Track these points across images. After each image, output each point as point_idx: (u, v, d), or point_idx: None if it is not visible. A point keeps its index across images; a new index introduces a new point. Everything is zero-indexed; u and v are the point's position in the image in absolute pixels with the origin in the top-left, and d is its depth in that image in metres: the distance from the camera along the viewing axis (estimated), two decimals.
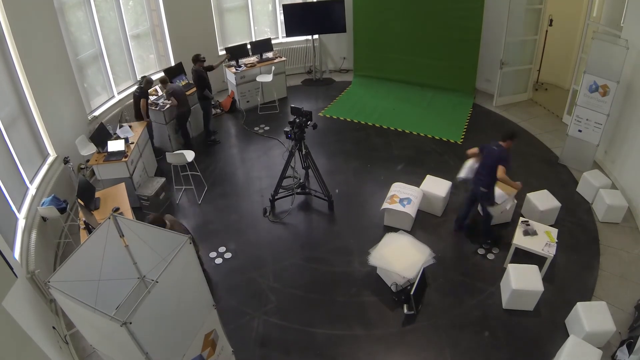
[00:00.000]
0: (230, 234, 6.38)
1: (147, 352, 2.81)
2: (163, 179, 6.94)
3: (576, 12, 8.74)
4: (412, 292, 4.99)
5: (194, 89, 8.21)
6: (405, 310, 5.09)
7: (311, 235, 6.50)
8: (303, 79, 10.94)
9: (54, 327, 4.59)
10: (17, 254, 5.00)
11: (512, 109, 9.21)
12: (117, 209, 5.53)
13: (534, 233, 5.50)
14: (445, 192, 6.40)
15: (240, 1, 10.01)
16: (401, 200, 6.12)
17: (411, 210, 6.01)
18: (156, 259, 3.28)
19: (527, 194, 6.28)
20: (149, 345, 2.82)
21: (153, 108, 7.78)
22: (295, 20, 9.93)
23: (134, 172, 6.66)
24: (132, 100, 7.76)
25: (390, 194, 6.32)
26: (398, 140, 8.39)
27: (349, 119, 9.14)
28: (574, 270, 5.59)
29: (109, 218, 3.35)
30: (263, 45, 9.66)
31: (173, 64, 8.90)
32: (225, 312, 5.11)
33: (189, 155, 6.85)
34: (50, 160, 6.47)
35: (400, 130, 8.69)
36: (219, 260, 5.95)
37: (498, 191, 6.02)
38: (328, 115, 9.30)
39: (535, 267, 5.18)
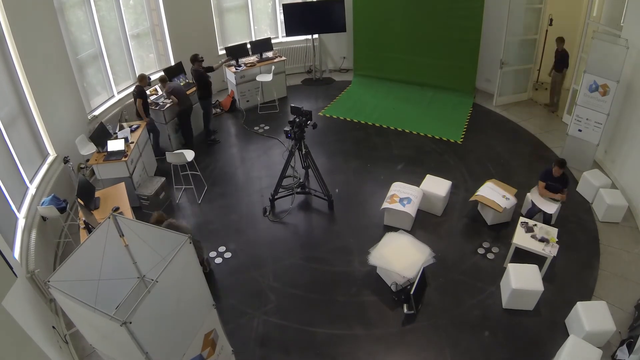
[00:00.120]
0: (230, 234, 6.38)
1: (147, 352, 2.81)
2: (163, 179, 6.93)
3: (576, 11, 8.74)
4: (412, 292, 4.99)
5: (194, 88, 8.21)
6: (405, 310, 5.09)
7: (311, 235, 6.50)
8: (303, 78, 10.94)
9: (53, 327, 4.59)
10: (16, 253, 5.00)
11: (512, 108, 9.21)
12: (117, 209, 5.52)
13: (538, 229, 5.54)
14: (445, 192, 6.40)
15: (240, 1, 10.00)
16: (401, 200, 6.12)
17: (411, 209, 6.01)
18: (156, 259, 3.28)
19: (527, 194, 6.27)
20: (149, 345, 2.81)
21: (153, 107, 7.78)
22: (295, 20, 9.93)
23: (133, 171, 6.65)
24: (132, 100, 7.75)
25: (390, 193, 6.32)
26: (398, 139, 8.39)
27: (348, 119, 9.14)
28: (574, 270, 5.59)
29: (109, 218, 3.35)
30: (263, 45, 9.66)
31: (173, 63, 8.89)
32: (225, 311, 5.12)
33: (189, 154, 6.85)
34: (50, 159, 6.47)
35: (400, 129, 8.68)
36: (218, 260, 5.95)
37: (503, 194, 6.07)
38: (328, 115, 9.30)
39: (535, 267, 5.18)
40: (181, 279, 3.17)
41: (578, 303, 4.79)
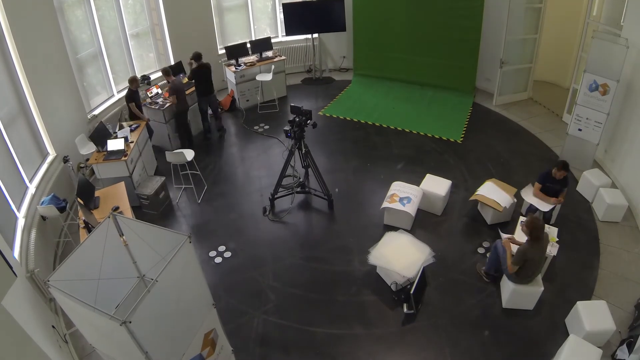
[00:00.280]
0: (230, 233, 6.37)
1: (147, 351, 2.81)
2: (163, 178, 6.93)
3: (576, 11, 8.73)
4: (412, 291, 4.99)
5: (193, 88, 8.22)
6: (405, 310, 5.08)
7: (311, 234, 6.49)
8: (303, 77, 10.94)
9: (53, 326, 4.59)
10: (16, 253, 4.99)
11: (512, 108, 9.21)
12: (116, 208, 5.52)
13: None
14: (445, 191, 6.40)
15: (239, 0, 9.99)
16: (401, 199, 6.12)
17: (411, 209, 6.01)
18: (156, 258, 3.28)
19: (524, 188, 6.27)
20: (149, 345, 2.81)
21: (153, 107, 7.78)
22: (295, 19, 9.92)
23: (133, 171, 6.65)
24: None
25: (390, 193, 6.31)
26: (398, 139, 8.39)
27: (348, 118, 9.14)
28: (574, 270, 5.59)
29: (109, 217, 3.35)
30: (263, 44, 9.65)
31: (173, 62, 8.89)
32: (225, 311, 5.12)
33: (189, 154, 6.85)
34: (49, 159, 6.46)
35: (400, 129, 8.68)
36: (218, 260, 5.95)
37: (503, 194, 6.06)
38: (328, 114, 9.30)
39: None
40: (181, 278, 3.17)
41: (578, 302, 4.79)
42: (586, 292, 5.28)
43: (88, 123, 7.41)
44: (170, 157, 6.80)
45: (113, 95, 8.25)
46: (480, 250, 5.92)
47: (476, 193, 6.27)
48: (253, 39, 10.05)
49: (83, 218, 5.09)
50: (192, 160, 6.91)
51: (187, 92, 8.03)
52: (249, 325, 5.08)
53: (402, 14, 9.48)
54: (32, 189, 5.89)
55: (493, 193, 6.14)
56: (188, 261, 3.21)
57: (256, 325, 5.09)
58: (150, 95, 8.05)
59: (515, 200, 6.18)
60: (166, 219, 6.70)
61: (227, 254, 6.03)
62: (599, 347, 4.25)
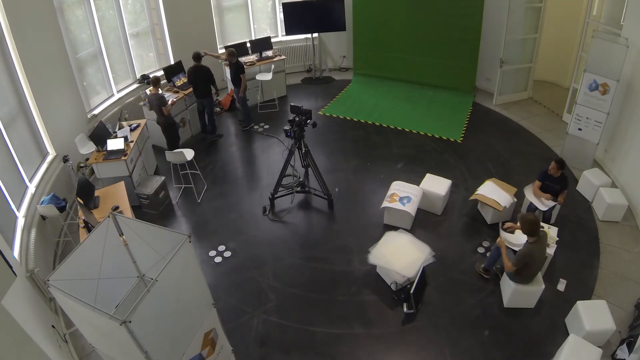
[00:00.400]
0: (230, 233, 6.37)
1: (147, 351, 2.80)
2: (162, 178, 6.93)
3: (576, 10, 8.73)
4: (411, 291, 4.99)
5: (190, 89, 8.22)
6: (405, 309, 5.08)
7: (311, 234, 6.49)
8: (303, 77, 10.93)
9: (53, 326, 4.59)
10: (16, 252, 4.99)
11: (512, 107, 9.20)
12: (116, 208, 5.52)
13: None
14: (445, 191, 6.40)
15: None
16: (401, 199, 6.12)
17: (411, 208, 6.01)
18: (155, 258, 3.28)
19: (524, 188, 6.27)
20: (149, 344, 2.81)
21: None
22: (295, 19, 9.92)
23: (133, 170, 6.65)
24: (131, 99, 7.74)
25: (390, 192, 6.31)
26: (398, 138, 8.38)
27: (348, 118, 9.13)
28: (574, 269, 5.58)
29: (109, 217, 3.35)
30: (262, 44, 9.65)
31: (172, 62, 8.89)
32: (224, 311, 5.12)
33: (189, 153, 6.84)
34: (49, 158, 6.46)
35: (400, 128, 8.68)
36: (218, 259, 5.95)
37: (503, 194, 6.05)
38: (328, 114, 9.29)
39: None
40: (181, 278, 3.17)
41: (578, 302, 4.79)
42: (586, 292, 5.28)
43: (88, 122, 7.41)
44: (170, 156, 6.79)
45: (113, 95, 8.24)
46: (480, 250, 5.91)
47: (476, 193, 6.27)
48: (253, 38, 10.04)
49: (83, 217, 5.09)
50: (192, 160, 6.91)
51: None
52: (249, 325, 5.08)
53: (402, 13, 9.47)
54: (32, 188, 5.89)
55: (493, 193, 6.14)
56: (188, 261, 3.21)
57: (256, 325, 5.09)
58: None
59: (515, 199, 6.18)
60: (166, 219, 6.70)
61: (227, 254, 6.02)
62: (599, 347, 4.25)
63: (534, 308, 5.09)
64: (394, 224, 6.23)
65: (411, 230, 6.09)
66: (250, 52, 9.57)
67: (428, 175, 6.69)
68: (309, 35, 10.39)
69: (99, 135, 6.67)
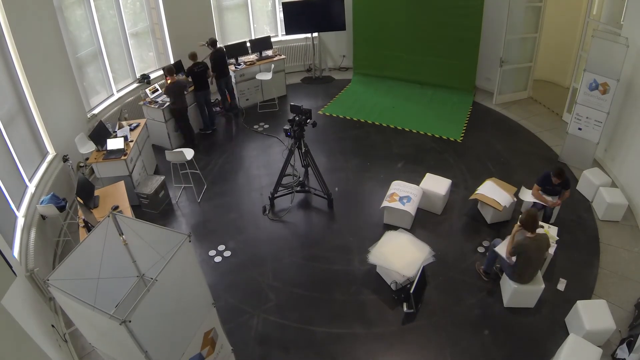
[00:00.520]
0: (230, 232, 6.37)
1: (147, 351, 2.80)
2: (162, 177, 6.92)
3: (576, 9, 8.73)
4: (411, 291, 4.99)
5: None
6: (405, 309, 5.08)
7: (311, 234, 6.49)
8: (302, 77, 10.93)
9: (53, 326, 4.59)
10: (16, 252, 4.99)
11: (512, 107, 9.20)
12: (116, 207, 5.51)
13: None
14: (445, 190, 6.39)
15: None
16: (401, 199, 6.12)
17: (411, 208, 6.01)
18: (155, 257, 3.27)
19: (522, 187, 6.28)
20: (148, 344, 2.81)
21: (152, 107, 7.78)
22: (295, 18, 9.91)
23: (133, 170, 6.65)
24: (131, 98, 7.75)
25: (389, 192, 6.31)
26: (398, 138, 8.38)
27: (348, 117, 9.13)
28: (574, 269, 5.58)
29: (108, 216, 3.34)
30: (262, 43, 9.65)
31: (172, 61, 8.88)
32: (224, 310, 5.12)
33: (188, 153, 6.84)
34: (49, 158, 6.46)
35: (400, 128, 8.68)
36: (218, 259, 5.95)
37: (503, 194, 6.06)
38: (327, 113, 9.29)
39: None
40: (181, 277, 3.17)
41: (578, 302, 4.79)
42: (586, 292, 5.28)
43: (88, 122, 7.41)
44: (169, 156, 6.79)
45: (113, 95, 8.24)
46: (480, 250, 5.91)
47: (476, 192, 6.27)
48: (253, 38, 10.04)
49: (83, 217, 5.09)
50: (191, 160, 6.91)
51: (186, 92, 8.04)
52: (249, 325, 5.08)
53: (402, 13, 9.47)
54: (31, 188, 5.88)
55: (493, 192, 6.14)
56: (188, 260, 3.20)
57: (256, 324, 5.09)
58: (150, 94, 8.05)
59: (515, 199, 6.17)
60: (166, 218, 6.70)
61: (227, 253, 6.02)
62: (599, 346, 4.26)
63: (534, 308, 5.09)
64: (394, 224, 6.23)
65: (411, 230, 6.09)
66: (250, 51, 9.56)
67: (428, 174, 6.69)
68: (308, 35, 10.39)
69: (99, 134, 6.67)
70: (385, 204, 6.15)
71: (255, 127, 8.92)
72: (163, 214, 6.78)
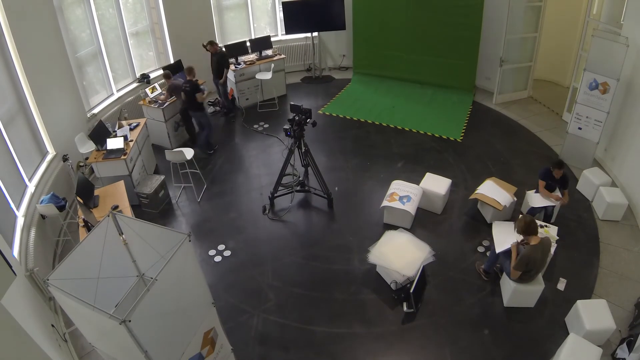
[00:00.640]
0: (230, 232, 6.37)
1: (146, 350, 2.80)
2: (162, 177, 6.92)
3: (576, 9, 8.72)
4: (411, 290, 4.99)
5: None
6: (405, 308, 5.08)
7: (310, 233, 6.49)
8: (302, 76, 10.93)
9: (52, 325, 4.59)
10: (16, 251, 4.99)
11: (512, 106, 9.20)
12: (116, 207, 5.51)
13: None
14: (445, 190, 6.39)
15: None
16: (401, 198, 6.11)
17: (411, 208, 6.01)
18: (155, 257, 3.27)
19: (527, 192, 6.27)
20: (148, 343, 2.81)
21: (153, 106, 7.78)
22: (295, 18, 9.91)
23: (133, 169, 6.64)
24: (131, 98, 7.75)
25: (389, 191, 6.31)
26: (398, 137, 8.38)
27: (348, 117, 9.13)
28: (574, 268, 5.58)
29: (108, 216, 3.34)
30: (262, 43, 9.64)
31: (172, 61, 8.88)
32: (224, 310, 5.12)
33: (188, 153, 6.84)
34: (49, 157, 6.45)
35: (399, 127, 8.67)
36: (218, 258, 5.95)
37: (503, 193, 6.05)
38: (327, 113, 9.29)
39: None
40: (180, 277, 3.16)
41: (578, 301, 4.78)
42: (586, 291, 5.28)
43: (87, 122, 7.40)
44: (169, 155, 6.79)
45: (112, 94, 8.24)
46: (480, 249, 5.91)
47: (476, 192, 6.26)
48: (253, 37, 10.03)
49: (82, 217, 5.09)
50: (191, 159, 6.90)
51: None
52: (249, 324, 5.08)
53: (402, 12, 9.46)
54: (31, 187, 5.88)
55: (493, 192, 6.13)
56: (187, 260, 3.20)
57: (256, 324, 5.09)
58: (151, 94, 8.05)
59: (515, 199, 6.17)
60: (166, 218, 6.70)
61: (227, 253, 6.02)
62: (599, 346, 4.26)
63: (534, 307, 5.09)
64: (394, 223, 6.23)
65: (411, 230, 6.09)
66: (250, 51, 9.56)
67: (428, 174, 6.69)
68: (308, 34, 10.38)
69: (99, 134, 6.67)
70: (385, 203, 6.15)
71: (255, 126, 8.92)
72: (163, 214, 6.78)
